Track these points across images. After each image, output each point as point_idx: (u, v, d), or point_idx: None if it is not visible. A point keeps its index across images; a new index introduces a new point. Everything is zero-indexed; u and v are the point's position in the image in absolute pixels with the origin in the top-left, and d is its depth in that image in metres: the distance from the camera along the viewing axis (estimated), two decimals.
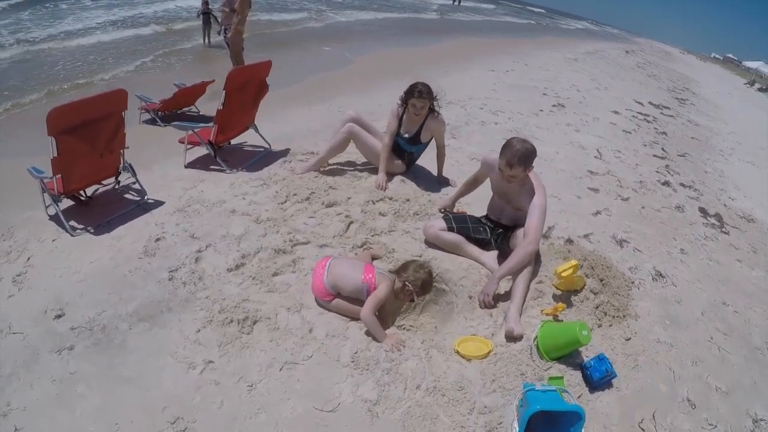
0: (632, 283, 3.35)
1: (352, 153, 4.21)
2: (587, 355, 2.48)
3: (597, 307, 2.87)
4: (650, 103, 12.01)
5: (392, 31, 17.39)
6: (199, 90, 5.73)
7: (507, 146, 2.64)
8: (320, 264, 2.56)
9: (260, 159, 4.21)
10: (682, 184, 6.07)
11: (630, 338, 2.80)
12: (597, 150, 6.60)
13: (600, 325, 2.79)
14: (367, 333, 2.35)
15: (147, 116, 5.34)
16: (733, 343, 3.12)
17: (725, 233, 4.81)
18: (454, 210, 3.58)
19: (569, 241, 3.66)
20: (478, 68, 10.82)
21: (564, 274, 2.64)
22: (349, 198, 3.52)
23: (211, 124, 3.83)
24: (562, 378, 2.30)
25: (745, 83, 33.85)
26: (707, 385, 2.70)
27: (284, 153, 4.36)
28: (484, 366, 2.29)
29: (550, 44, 21.33)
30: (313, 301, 2.54)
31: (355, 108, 6.23)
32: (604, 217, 4.44)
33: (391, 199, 3.61)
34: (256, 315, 2.35)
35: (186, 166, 3.92)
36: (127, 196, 3.43)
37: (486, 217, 3.25)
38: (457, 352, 2.34)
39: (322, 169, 3.93)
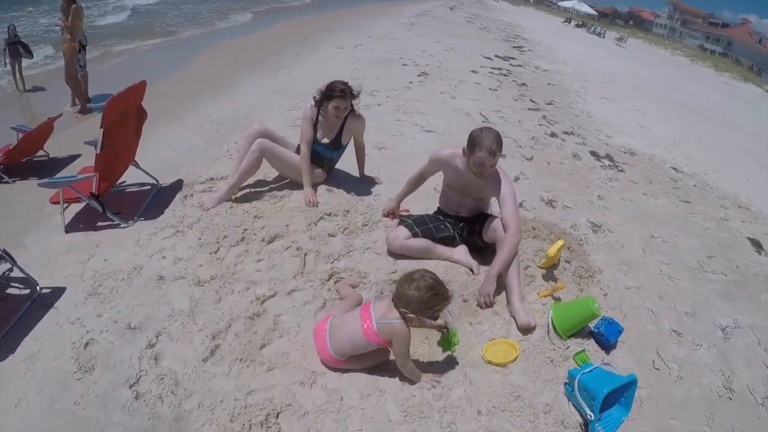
0: (580, 240, 3.89)
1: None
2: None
3: (574, 274, 3.31)
4: (497, 56, 13.62)
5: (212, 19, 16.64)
6: (46, 130, 4.93)
7: (477, 137, 2.81)
8: (320, 330, 2.45)
9: (153, 200, 3.78)
10: (565, 132, 7.11)
11: (607, 294, 3.31)
12: (480, 113, 7.34)
13: (582, 290, 3.23)
14: (401, 378, 2.36)
15: None
16: (676, 269, 3.88)
17: (621, 171, 5.83)
18: (400, 211, 3.70)
19: None
20: (326, 48, 11.02)
21: (552, 254, 3.00)
22: (287, 225, 3.39)
23: (81, 177, 3.33)
24: (584, 351, 2.65)
25: (563, 22, 40.28)
26: (678, 312, 3.35)
27: (178, 186, 3.98)
28: (521, 366, 2.50)
29: (378, 10, 22.48)
30: (320, 363, 2.43)
31: (225, 114, 6.00)
32: (523, 181, 5.02)
33: (329, 215, 3.58)
34: (273, 406, 2.13)
35: (67, 230, 3.37)
36: (11, 291, 2.80)
37: (441, 213, 3.45)
38: (490, 362, 2.51)
39: (234, 197, 3.72)
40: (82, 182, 3.35)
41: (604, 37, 34.14)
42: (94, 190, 3.35)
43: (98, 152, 3.29)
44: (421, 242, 3.19)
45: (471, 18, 25.61)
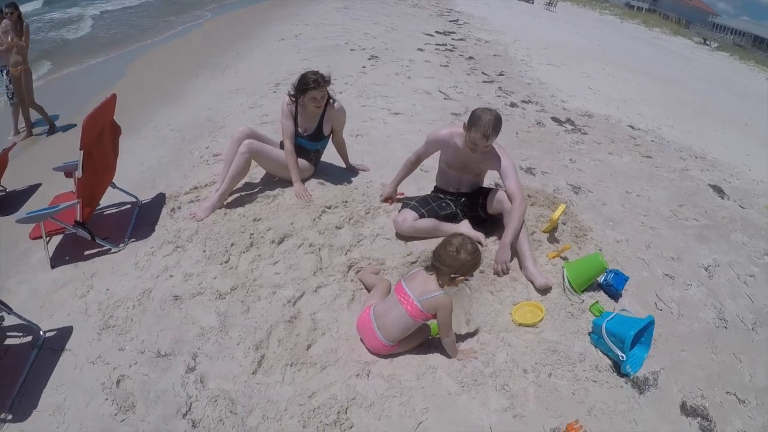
0: (566, 202, 4.22)
1: None
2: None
3: (570, 234, 3.63)
4: (437, 32, 13.88)
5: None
6: (1, 163, 4.70)
7: (476, 119, 3.03)
8: (364, 322, 2.57)
9: (138, 218, 3.74)
10: (523, 101, 7.48)
11: (601, 248, 3.63)
12: (439, 91, 7.58)
13: (580, 248, 3.55)
14: (442, 352, 2.57)
15: None
16: (654, 220, 4.29)
17: (585, 134, 6.25)
18: (397, 195, 3.88)
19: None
20: (267, 41, 10.91)
21: (556, 218, 3.29)
22: (292, 224, 3.49)
23: (63, 206, 3.21)
24: (597, 302, 2.96)
25: None
26: (665, 258, 3.74)
27: (161, 200, 3.97)
28: (549, 324, 2.78)
29: None
30: (369, 353, 2.57)
31: (184, 120, 5.94)
32: None
33: (330, 208, 3.70)
34: (339, 403, 2.25)
35: (53, 266, 3.22)
36: (11, 342, 2.66)
37: (440, 191, 3.66)
38: (521, 324, 2.76)
39: (225, 203, 3.77)
40: (65, 211, 3.23)
41: (533, 3, 35.26)
42: (78, 218, 3.25)
43: (80, 177, 3.16)
44: (429, 222, 3.40)
45: None
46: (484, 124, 2.99)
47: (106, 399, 2.26)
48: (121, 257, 3.29)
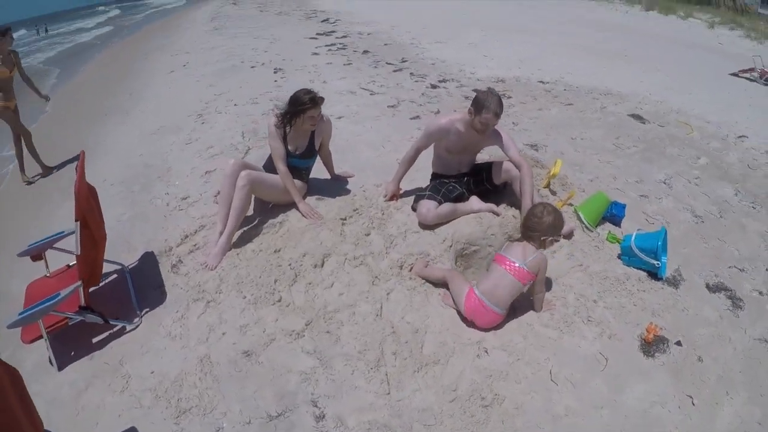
0: (537, 160, 4.77)
1: None
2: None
3: (558, 184, 4.16)
4: (318, 34, 14.07)
5: None
6: None
7: (483, 101, 3.34)
8: (474, 303, 2.77)
9: (135, 286, 3.41)
10: (440, 81, 8.01)
11: (584, 189, 4.23)
12: (361, 88, 7.82)
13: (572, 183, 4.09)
14: (531, 308, 2.95)
15: None
16: (605, 155, 5.01)
17: (509, 98, 6.91)
18: (400, 192, 4.16)
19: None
20: (156, 76, 10.51)
21: (557, 173, 3.81)
22: (321, 243, 3.54)
23: (63, 294, 2.75)
24: (609, 231, 3.54)
25: None
26: (631, 183, 4.44)
27: (150, 260, 3.68)
28: (589, 259, 3.29)
29: (163, 29, 21.45)
30: (477, 332, 2.82)
31: (120, 173, 5.60)
32: None
33: (345, 219, 3.84)
34: (485, 385, 2.48)
35: (60, 367, 2.80)
36: None
37: (442, 177, 3.98)
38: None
39: (233, 242, 3.71)
40: (66, 300, 2.79)
41: None
42: (83, 303, 2.87)
43: (78, 253, 2.79)
44: (447, 207, 3.70)
45: (262, 7, 25.51)
46: (494, 104, 3.33)
47: None
48: (143, 333, 3.00)
